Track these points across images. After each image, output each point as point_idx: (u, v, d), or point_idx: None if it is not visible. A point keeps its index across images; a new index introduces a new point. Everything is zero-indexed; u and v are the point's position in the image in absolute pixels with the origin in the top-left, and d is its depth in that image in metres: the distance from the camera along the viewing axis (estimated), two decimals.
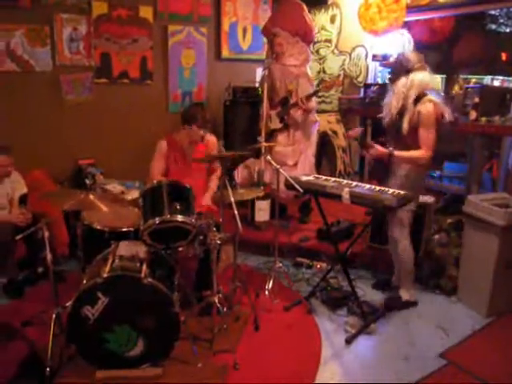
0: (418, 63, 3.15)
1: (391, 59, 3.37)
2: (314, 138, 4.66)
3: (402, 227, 3.32)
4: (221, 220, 3.08)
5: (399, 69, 3.18)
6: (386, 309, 3.39)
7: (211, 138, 3.72)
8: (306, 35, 4.50)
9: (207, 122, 3.58)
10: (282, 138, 4.47)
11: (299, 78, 4.41)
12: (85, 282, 2.55)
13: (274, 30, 4.37)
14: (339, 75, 5.85)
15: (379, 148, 3.18)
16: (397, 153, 3.13)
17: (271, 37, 4.41)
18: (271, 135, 4.48)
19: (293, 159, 4.48)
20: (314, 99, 4.45)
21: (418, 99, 3.09)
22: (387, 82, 3.50)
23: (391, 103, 3.20)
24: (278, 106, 4.44)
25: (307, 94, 4.27)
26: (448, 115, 3.11)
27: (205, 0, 5.12)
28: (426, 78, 3.13)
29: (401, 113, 3.15)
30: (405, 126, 3.12)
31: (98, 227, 2.95)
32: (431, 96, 3.11)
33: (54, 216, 3.05)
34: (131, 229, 2.97)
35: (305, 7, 4.61)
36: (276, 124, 4.43)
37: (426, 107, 3.06)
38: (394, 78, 3.21)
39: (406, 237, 3.34)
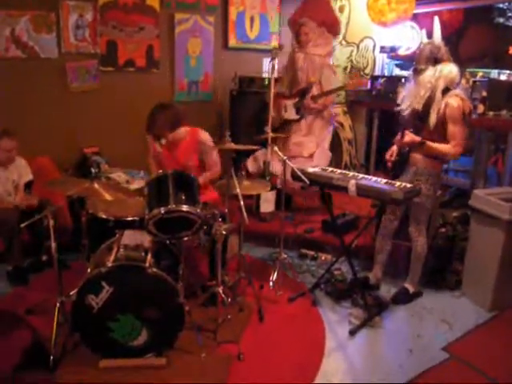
0: (446, 54, 3.08)
1: (417, 49, 3.26)
2: (331, 130, 4.64)
3: (419, 224, 3.30)
4: (226, 211, 3.07)
5: (428, 57, 3.07)
6: (394, 303, 3.38)
7: (199, 134, 3.40)
8: (332, 26, 4.51)
9: (153, 124, 3.21)
10: (297, 128, 4.44)
11: (323, 69, 4.40)
12: (89, 270, 2.55)
13: (302, 20, 4.36)
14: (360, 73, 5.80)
15: (413, 136, 3.11)
16: (429, 143, 3.07)
17: (297, 27, 4.39)
18: (285, 125, 4.45)
19: (308, 151, 4.45)
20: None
21: (446, 91, 3.03)
22: (409, 73, 3.40)
23: (416, 95, 3.10)
24: (296, 96, 4.40)
25: (328, 90, 4.27)
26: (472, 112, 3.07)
27: None
28: (454, 70, 3.06)
29: (427, 104, 3.06)
30: (432, 118, 3.05)
31: (103, 216, 2.95)
32: (458, 91, 3.07)
33: (58, 203, 3.04)
34: (136, 218, 2.96)
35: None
36: (291, 114, 4.41)
37: (454, 100, 3.00)
38: (421, 68, 3.08)
39: (423, 233, 3.33)
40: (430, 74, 3.04)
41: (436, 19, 5.18)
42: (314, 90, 4.32)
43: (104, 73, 4.63)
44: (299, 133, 4.46)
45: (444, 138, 3.08)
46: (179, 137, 3.31)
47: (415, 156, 3.21)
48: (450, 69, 3.05)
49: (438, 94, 3.03)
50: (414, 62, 3.18)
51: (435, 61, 3.05)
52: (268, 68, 3.84)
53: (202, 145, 3.36)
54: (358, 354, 2.87)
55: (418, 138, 3.09)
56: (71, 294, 2.64)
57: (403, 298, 3.42)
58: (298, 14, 4.57)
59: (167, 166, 3.30)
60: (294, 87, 4.46)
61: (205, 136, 3.39)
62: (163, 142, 3.23)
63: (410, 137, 3.11)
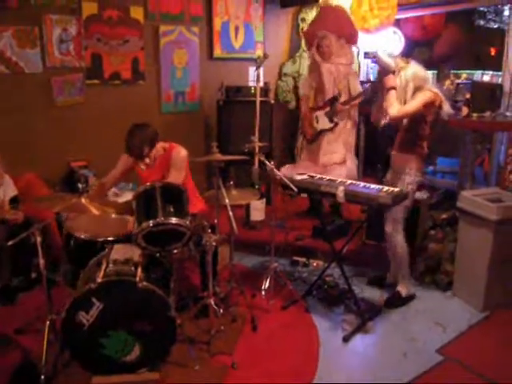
0: (402, 60, 3.20)
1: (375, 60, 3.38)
2: (354, 135, 4.75)
3: (395, 222, 3.32)
4: (216, 221, 3.06)
5: (387, 67, 3.18)
6: (388, 307, 3.39)
7: (173, 151, 3.32)
8: (351, 37, 4.62)
9: (130, 148, 3.18)
10: (329, 136, 4.53)
11: (349, 76, 4.51)
12: (79, 287, 2.53)
13: (321, 34, 4.45)
14: None
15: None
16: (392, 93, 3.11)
17: (317, 39, 4.48)
18: (318, 136, 4.55)
19: (340, 156, 4.53)
20: None
21: (417, 90, 3.11)
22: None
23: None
24: (326, 105, 4.48)
25: (355, 95, 4.39)
26: (447, 107, 3.13)
27: None
28: (418, 70, 3.16)
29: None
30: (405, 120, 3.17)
31: (82, 236, 2.90)
32: (431, 87, 3.15)
33: (46, 220, 3.02)
34: (111, 238, 2.90)
35: (347, 10, 4.81)
36: (324, 124, 4.49)
37: (425, 93, 3.09)
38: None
39: (400, 232, 3.35)
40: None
41: (397, 30, 5.29)
42: (342, 97, 4.43)
43: (89, 86, 4.61)
44: (329, 142, 4.54)
45: (417, 136, 3.16)
46: (157, 154, 3.29)
47: (394, 154, 3.28)
48: (413, 70, 3.15)
49: (408, 97, 3.13)
50: (377, 74, 3.29)
51: (393, 73, 3.16)
52: (254, 77, 3.85)
53: (171, 160, 3.29)
54: (352, 360, 2.87)
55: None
56: (61, 311, 2.62)
57: (396, 301, 3.43)
58: (315, 27, 4.67)
59: (141, 181, 3.30)
60: (321, 98, 4.54)
61: (177, 154, 3.30)
62: (147, 161, 3.24)
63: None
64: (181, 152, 3.31)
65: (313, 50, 4.57)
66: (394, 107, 3.07)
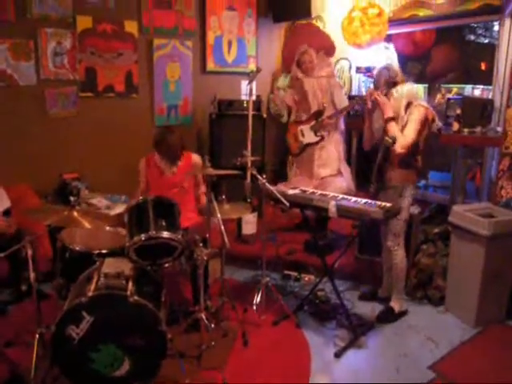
0: (402, 76, 3.24)
1: (375, 72, 3.40)
2: (343, 145, 4.74)
3: (396, 237, 3.33)
4: (207, 236, 3.05)
5: (387, 81, 3.23)
6: (380, 322, 3.38)
7: (192, 157, 3.59)
8: (329, 49, 4.76)
9: (170, 149, 3.38)
10: (318, 150, 4.55)
11: (333, 89, 4.52)
12: (69, 301, 2.50)
13: (302, 49, 4.51)
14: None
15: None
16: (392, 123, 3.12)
17: (298, 55, 4.54)
18: (306, 149, 4.57)
19: (333, 167, 4.55)
20: None
21: (408, 106, 3.15)
22: None
23: (380, 116, 3.24)
24: (311, 119, 4.51)
25: (341, 108, 4.41)
26: (436, 120, 3.17)
27: (189, 14, 5.14)
28: (411, 87, 3.21)
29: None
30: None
31: (77, 248, 2.91)
32: (421, 102, 3.19)
33: (38, 232, 3.01)
34: (103, 251, 2.91)
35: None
36: (310, 138, 4.51)
37: (417, 109, 3.12)
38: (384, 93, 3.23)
39: (402, 246, 3.36)
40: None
41: (391, 45, 5.34)
42: (327, 111, 4.45)
43: (83, 99, 4.62)
44: (321, 154, 4.55)
45: (412, 151, 3.15)
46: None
47: (390, 170, 3.27)
48: (408, 88, 3.19)
49: (402, 112, 3.15)
50: (374, 86, 3.31)
51: (394, 84, 3.20)
52: (246, 90, 3.87)
53: (194, 166, 3.50)
54: (344, 376, 2.85)
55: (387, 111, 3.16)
56: (51, 325, 2.59)
57: (389, 317, 3.42)
58: (293, 44, 4.80)
59: (163, 187, 3.37)
60: (306, 112, 4.56)
61: (197, 160, 3.56)
62: (179, 163, 3.44)
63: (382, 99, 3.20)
64: (197, 158, 3.57)
65: (293, 66, 4.63)
66: (400, 143, 3.06)
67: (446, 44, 6.42)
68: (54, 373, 2.55)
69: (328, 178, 4.50)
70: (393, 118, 3.13)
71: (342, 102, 4.51)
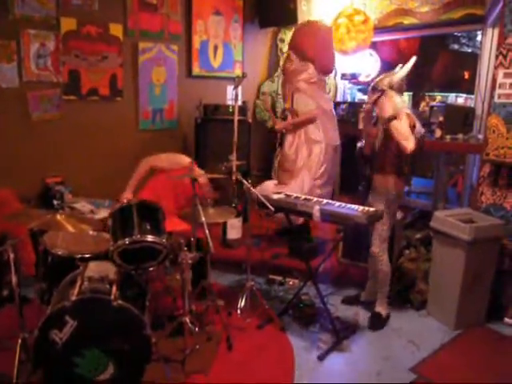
0: (401, 87, 3.32)
1: (378, 79, 3.38)
2: (316, 157, 4.56)
3: (382, 242, 3.37)
4: (192, 239, 3.05)
5: (389, 84, 3.27)
6: (373, 330, 3.40)
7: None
8: (305, 54, 4.53)
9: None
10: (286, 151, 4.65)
11: (296, 94, 4.54)
12: (52, 305, 2.48)
13: (286, 53, 4.65)
14: None
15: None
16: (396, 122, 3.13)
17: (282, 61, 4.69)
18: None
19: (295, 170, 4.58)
20: None
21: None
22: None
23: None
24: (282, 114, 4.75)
25: (298, 120, 4.51)
26: (418, 126, 3.20)
27: (175, 17, 5.15)
28: (398, 99, 3.23)
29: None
30: (379, 138, 3.24)
31: (60, 252, 2.87)
32: (402, 108, 3.21)
33: (20, 236, 2.97)
34: (86, 255, 2.87)
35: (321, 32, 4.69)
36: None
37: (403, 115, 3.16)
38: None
39: (386, 251, 3.40)
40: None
41: (373, 52, 5.41)
42: (289, 117, 4.59)
43: (67, 102, 4.58)
44: (288, 153, 4.64)
45: (395, 157, 3.21)
46: None
47: (375, 176, 3.32)
48: (398, 99, 3.24)
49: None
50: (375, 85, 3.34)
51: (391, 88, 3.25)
52: (232, 95, 3.89)
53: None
54: (327, 379, 2.87)
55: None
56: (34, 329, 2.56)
57: (378, 323, 3.45)
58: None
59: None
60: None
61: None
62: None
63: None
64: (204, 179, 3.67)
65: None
66: (411, 141, 3.05)
67: (431, 53, 6.53)
68: (37, 377, 2.52)
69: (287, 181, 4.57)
70: (395, 117, 3.12)
71: (299, 110, 4.53)
